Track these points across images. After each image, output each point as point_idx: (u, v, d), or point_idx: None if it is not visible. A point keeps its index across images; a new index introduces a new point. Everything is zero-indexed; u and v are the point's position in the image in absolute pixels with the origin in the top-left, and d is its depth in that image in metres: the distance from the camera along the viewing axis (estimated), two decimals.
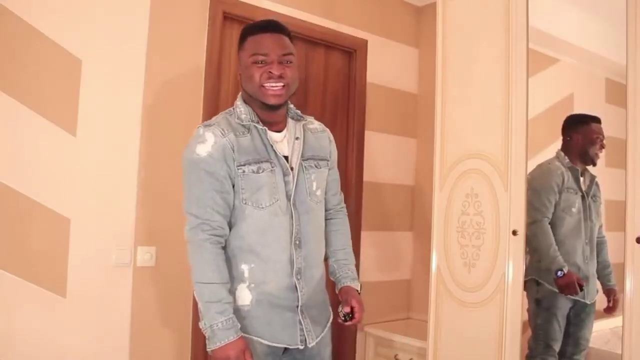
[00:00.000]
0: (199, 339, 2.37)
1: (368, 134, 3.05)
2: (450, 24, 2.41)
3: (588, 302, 2.35)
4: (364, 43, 3.04)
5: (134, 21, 2.23)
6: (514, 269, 2.10)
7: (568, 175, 2.36)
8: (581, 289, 2.29)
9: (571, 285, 2.27)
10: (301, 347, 1.61)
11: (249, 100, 1.65)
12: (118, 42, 2.18)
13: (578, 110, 2.51)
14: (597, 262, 2.39)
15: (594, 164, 2.37)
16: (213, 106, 2.45)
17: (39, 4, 2.00)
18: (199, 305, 1.51)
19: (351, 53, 3.02)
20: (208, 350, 1.50)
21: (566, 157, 2.39)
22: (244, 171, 1.56)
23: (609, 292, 2.37)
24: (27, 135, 1.98)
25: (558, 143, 2.44)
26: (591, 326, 2.38)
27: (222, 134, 1.56)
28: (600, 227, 2.41)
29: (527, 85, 2.12)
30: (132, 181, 2.21)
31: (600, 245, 2.40)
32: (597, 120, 2.36)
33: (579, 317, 2.38)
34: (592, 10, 2.42)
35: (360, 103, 3.02)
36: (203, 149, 1.54)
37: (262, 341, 1.57)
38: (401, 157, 3.25)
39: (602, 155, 2.44)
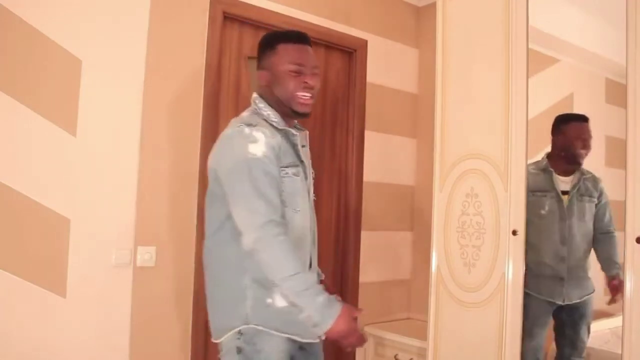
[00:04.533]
0: (199, 339, 2.37)
1: (368, 134, 3.05)
2: (450, 24, 2.41)
3: (561, 304, 2.32)
4: (364, 43, 3.04)
5: (134, 21, 2.23)
6: (514, 268, 2.10)
7: (538, 179, 2.33)
8: None
9: None
10: (318, 341, 1.65)
11: (274, 104, 1.69)
12: (118, 42, 2.18)
13: (578, 110, 2.51)
14: (598, 255, 2.35)
15: (579, 164, 2.35)
16: (213, 106, 2.45)
17: (39, 5, 2.00)
18: (293, 299, 1.48)
19: (351, 53, 3.02)
20: (320, 334, 1.51)
21: (545, 160, 2.38)
22: (287, 173, 1.60)
23: (608, 281, 2.31)
24: (27, 135, 1.98)
25: None
26: (586, 327, 2.36)
27: (270, 134, 1.59)
28: (609, 221, 2.36)
29: (527, 85, 2.12)
30: (132, 181, 2.21)
31: (604, 240, 2.36)
32: (581, 118, 2.34)
33: (571, 318, 2.36)
34: (592, 10, 2.42)
35: (360, 103, 3.02)
36: (257, 149, 1.54)
37: (296, 338, 1.61)
38: (401, 157, 3.25)
39: (602, 155, 2.44)
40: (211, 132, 2.43)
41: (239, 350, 1.57)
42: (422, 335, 2.54)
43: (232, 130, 1.61)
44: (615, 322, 2.11)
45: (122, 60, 2.20)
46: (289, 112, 1.68)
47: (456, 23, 2.39)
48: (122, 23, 2.20)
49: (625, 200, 1.83)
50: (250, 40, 2.63)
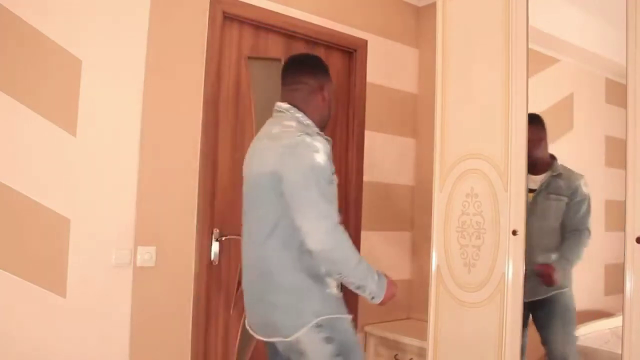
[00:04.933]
0: (199, 339, 2.37)
1: (368, 134, 3.05)
2: (450, 24, 2.41)
3: (524, 300, 2.27)
4: (364, 43, 3.04)
5: (134, 21, 2.23)
6: (513, 268, 2.10)
7: None
8: None
9: None
10: None
11: (314, 120, 1.87)
12: (118, 42, 2.18)
13: (578, 110, 2.51)
14: (560, 251, 2.34)
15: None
16: (213, 106, 2.45)
17: (39, 5, 2.00)
18: (359, 283, 1.73)
19: (351, 53, 3.02)
20: (377, 302, 1.79)
21: None
22: (334, 179, 1.78)
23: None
24: (27, 135, 1.98)
25: (557, 142, 2.44)
26: (564, 325, 2.30)
27: (325, 142, 1.76)
28: (580, 219, 2.32)
29: (527, 85, 2.12)
30: (132, 181, 2.21)
31: (568, 238, 2.33)
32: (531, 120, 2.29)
33: (545, 315, 2.31)
34: (592, 10, 2.42)
35: (360, 103, 3.02)
36: (321, 157, 1.71)
37: (348, 318, 1.82)
38: (401, 157, 3.25)
39: (602, 155, 2.43)
40: (211, 132, 2.43)
41: (329, 340, 1.73)
42: (422, 335, 2.54)
43: (293, 139, 1.73)
44: (615, 322, 2.11)
45: (122, 60, 2.20)
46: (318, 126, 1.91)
47: (456, 23, 2.39)
48: (122, 23, 2.20)
49: (625, 200, 1.83)
50: (250, 40, 2.64)
